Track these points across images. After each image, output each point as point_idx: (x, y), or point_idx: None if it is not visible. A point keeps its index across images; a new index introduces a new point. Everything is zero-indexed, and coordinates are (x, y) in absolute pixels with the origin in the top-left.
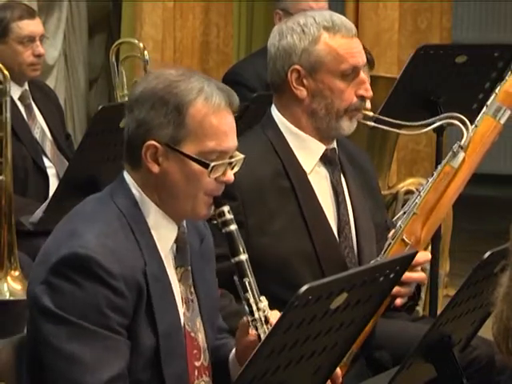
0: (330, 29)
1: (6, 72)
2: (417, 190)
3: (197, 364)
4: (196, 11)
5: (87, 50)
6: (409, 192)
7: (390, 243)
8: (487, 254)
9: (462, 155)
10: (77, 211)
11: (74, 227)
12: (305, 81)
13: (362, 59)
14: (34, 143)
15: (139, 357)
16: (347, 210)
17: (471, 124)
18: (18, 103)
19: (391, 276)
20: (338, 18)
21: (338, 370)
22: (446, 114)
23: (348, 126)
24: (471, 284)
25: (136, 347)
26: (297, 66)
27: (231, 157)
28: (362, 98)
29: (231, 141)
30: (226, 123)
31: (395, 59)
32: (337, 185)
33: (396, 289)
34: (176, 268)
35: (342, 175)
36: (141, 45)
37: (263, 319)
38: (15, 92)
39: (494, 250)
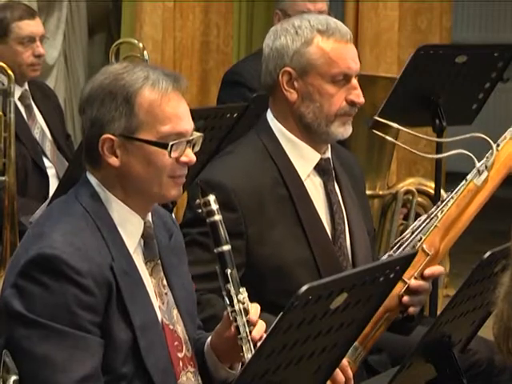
0: (323, 32)
1: (10, 72)
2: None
3: (180, 355)
4: (196, 11)
5: (87, 49)
6: (408, 192)
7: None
8: (487, 254)
9: (485, 174)
10: (44, 215)
11: (40, 230)
12: (295, 83)
13: (354, 65)
14: (34, 143)
15: (117, 352)
16: (343, 219)
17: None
18: (18, 103)
19: (391, 276)
20: (334, 22)
21: (350, 372)
22: (470, 135)
23: (341, 133)
24: (471, 284)
25: (112, 343)
26: (288, 68)
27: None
28: (353, 104)
29: (185, 123)
30: (177, 106)
31: (395, 59)
32: (331, 194)
33: (407, 298)
34: (146, 263)
35: (336, 184)
36: (140, 45)
37: (242, 311)
38: (15, 92)
39: (494, 250)
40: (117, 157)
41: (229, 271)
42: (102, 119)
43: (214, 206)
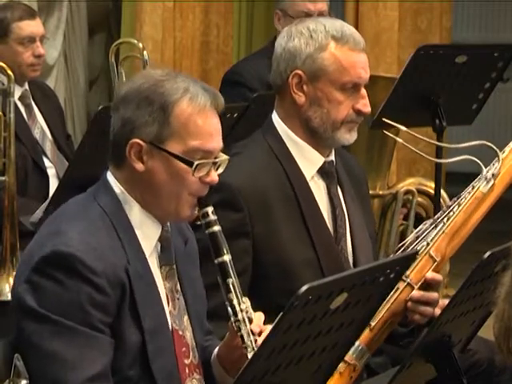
0: (338, 39)
1: (10, 72)
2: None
3: (186, 362)
4: (196, 11)
5: (87, 50)
6: (408, 192)
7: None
8: (487, 254)
9: (492, 182)
10: (60, 212)
11: (56, 227)
12: (305, 87)
13: (365, 75)
14: (34, 143)
15: (126, 354)
16: (344, 222)
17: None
18: (18, 103)
19: (391, 276)
20: (349, 29)
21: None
22: (477, 142)
23: (347, 139)
24: (471, 284)
25: (122, 344)
26: (299, 71)
27: (216, 158)
28: (359, 113)
29: (216, 141)
30: (211, 124)
31: (395, 59)
32: (334, 198)
33: (410, 304)
34: (161, 267)
35: (338, 187)
36: (140, 45)
37: (246, 320)
38: (15, 92)
39: (494, 250)
40: (143, 163)
41: (230, 281)
42: (135, 122)
43: (213, 217)
